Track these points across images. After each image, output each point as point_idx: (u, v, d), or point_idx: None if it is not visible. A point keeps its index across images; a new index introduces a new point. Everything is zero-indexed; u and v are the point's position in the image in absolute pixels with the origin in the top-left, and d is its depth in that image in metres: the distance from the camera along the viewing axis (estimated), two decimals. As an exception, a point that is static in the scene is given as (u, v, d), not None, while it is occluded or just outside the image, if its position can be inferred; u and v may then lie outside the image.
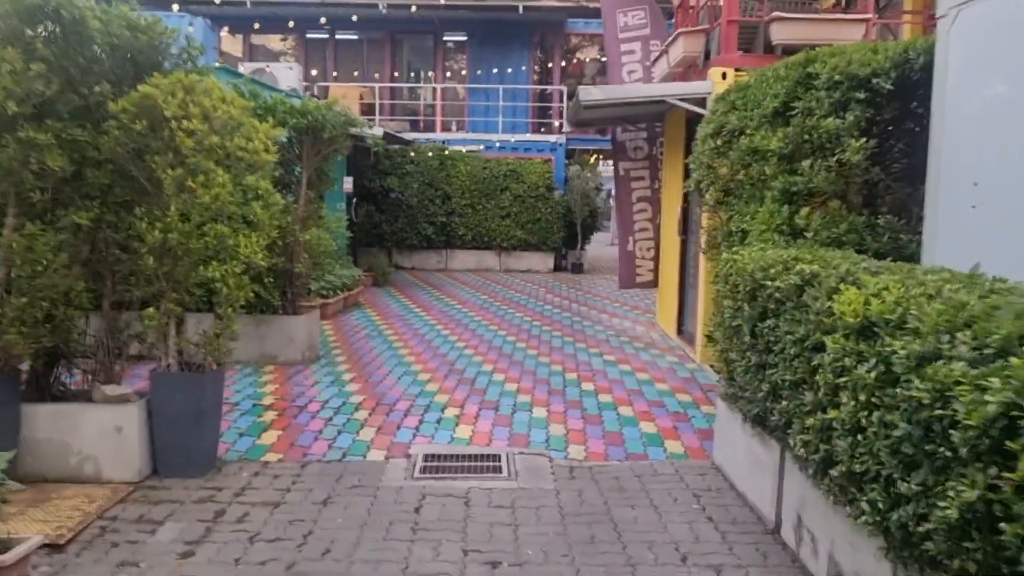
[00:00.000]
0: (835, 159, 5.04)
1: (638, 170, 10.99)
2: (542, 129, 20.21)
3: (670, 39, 8.89)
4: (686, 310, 9.36)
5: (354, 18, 18.82)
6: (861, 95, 4.96)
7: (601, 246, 22.71)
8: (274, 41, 20.86)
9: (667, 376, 7.74)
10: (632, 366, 8.17)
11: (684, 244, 9.32)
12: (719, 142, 6.65)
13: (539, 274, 17.72)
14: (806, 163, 5.24)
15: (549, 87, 20.18)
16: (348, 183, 13.32)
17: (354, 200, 13.22)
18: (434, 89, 20.16)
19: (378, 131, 12.35)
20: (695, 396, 7.03)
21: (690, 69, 9.57)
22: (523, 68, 19.97)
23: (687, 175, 9.27)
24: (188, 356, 5.13)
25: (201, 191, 4.73)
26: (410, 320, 10.85)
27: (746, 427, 4.65)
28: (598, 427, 6.15)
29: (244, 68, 14.29)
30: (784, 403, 3.69)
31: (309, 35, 20.15)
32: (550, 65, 20.35)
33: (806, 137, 5.28)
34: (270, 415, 6.28)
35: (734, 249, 5.00)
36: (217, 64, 11.25)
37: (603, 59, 20.30)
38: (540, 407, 6.66)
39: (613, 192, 25.88)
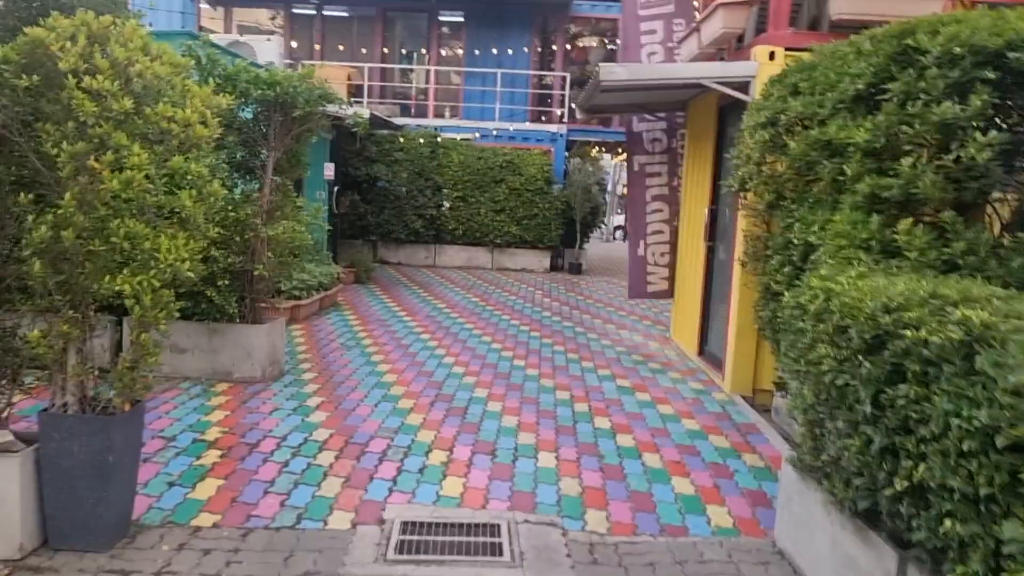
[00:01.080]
0: (952, 157, 3.85)
1: (655, 165, 9.78)
2: (542, 118, 18.96)
3: (706, 13, 7.67)
4: (710, 327, 8.17)
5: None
6: (990, 74, 3.77)
7: (598, 245, 21.47)
8: (259, 16, 19.48)
9: (694, 409, 6.55)
10: (651, 395, 6.98)
11: (711, 251, 8.12)
12: (774, 133, 5.45)
13: (534, 274, 16.50)
14: (906, 162, 4.04)
15: (550, 73, 18.92)
16: (329, 170, 12.05)
17: (336, 189, 11.95)
18: (427, 72, 18.86)
19: (364, 112, 11.07)
20: (732, 439, 5.83)
21: (723, 51, 8.36)
22: (523, 52, 18.70)
23: (717, 172, 8.08)
24: (92, 393, 3.88)
25: (108, 174, 3.48)
26: (392, 326, 9.62)
27: (836, 515, 3.46)
28: (621, 484, 4.94)
29: (219, 40, 12.95)
30: (944, 523, 2.46)
31: (295, 10, 18.80)
32: (552, 50, 19.08)
33: (904, 128, 4.08)
34: (212, 456, 5.04)
35: (822, 273, 3.79)
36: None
37: (609, 46, 19.09)
38: (547, 452, 5.45)
39: (610, 187, 24.54)
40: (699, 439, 5.81)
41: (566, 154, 17.76)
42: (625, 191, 38.24)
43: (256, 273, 6.59)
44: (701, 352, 8.30)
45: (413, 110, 19.25)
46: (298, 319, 9.45)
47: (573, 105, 18.84)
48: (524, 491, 4.77)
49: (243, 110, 6.70)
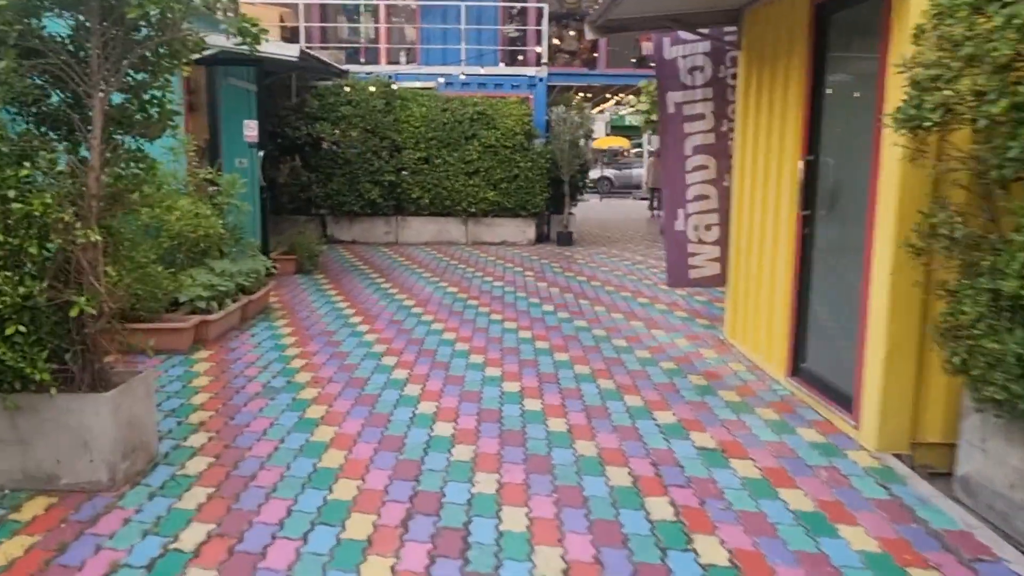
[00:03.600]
0: None
1: (695, 104, 7.07)
2: (518, 59, 16.04)
3: None
4: (812, 337, 5.54)
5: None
6: None
7: (584, 206, 18.65)
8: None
9: (843, 498, 3.93)
10: (758, 465, 4.34)
11: (807, 224, 5.47)
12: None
13: (518, 248, 13.77)
14: None
15: (524, 4, 15.97)
16: (251, 129, 9.13)
17: (262, 154, 9.05)
18: (376, 8, 15.78)
19: (289, 49, 8.18)
20: (952, 576, 3.24)
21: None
22: (490, -18, 15.71)
23: (814, 106, 5.41)
24: None
25: None
26: (342, 342, 6.86)
27: None
28: None
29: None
30: None
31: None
32: (524, -21, 16.11)
33: None
34: None
35: None
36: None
37: (591, -28, 16.16)
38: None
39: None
40: (897, 582, 3.20)
41: (547, 102, 14.92)
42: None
43: (86, 310, 3.75)
44: (794, 371, 5.69)
45: (363, 57, 16.21)
46: (207, 341, 6.64)
47: (583, 28, 15.96)
48: None
49: (43, 21, 3.81)
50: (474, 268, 11.35)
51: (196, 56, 4.33)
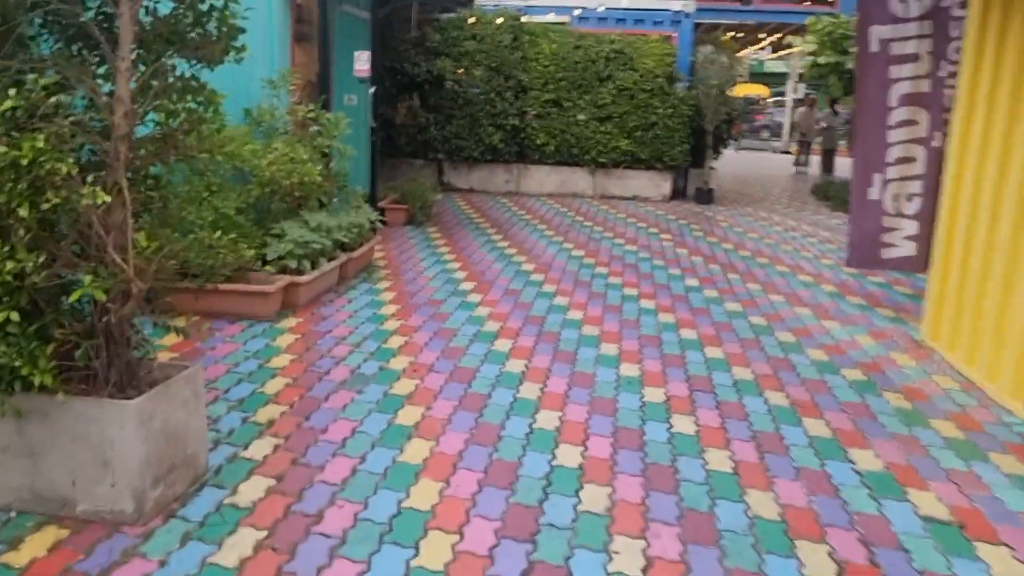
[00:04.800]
0: None
1: (908, 41, 5.50)
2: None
3: None
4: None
5: None
6: None
7: (720, 161, 16.75)
8: None
9: None
10: (1020, 554, 3.03)
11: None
12: None
13: (650, 204, 12.38)
14: None
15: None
16: (363, 62, 8.11)
17: (372, 91, 8.04)
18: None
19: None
20: None
21: None
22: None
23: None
24: None
25: None
26: (449, 314, 5.83)
27: None
28: None
29: None
30: None
31: None
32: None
33: None
34: None
35: None
36: None
37: None
38: None
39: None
40: None
41: (692, 42, 13.26)
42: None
43: (115, 290, 2.81)
44: (1043, 403, 4.23)
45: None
46: (297, 306, 5.76)
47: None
48: None
49: None
50: (602, 227, 10.09)
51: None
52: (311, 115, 6.82)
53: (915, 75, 5.49)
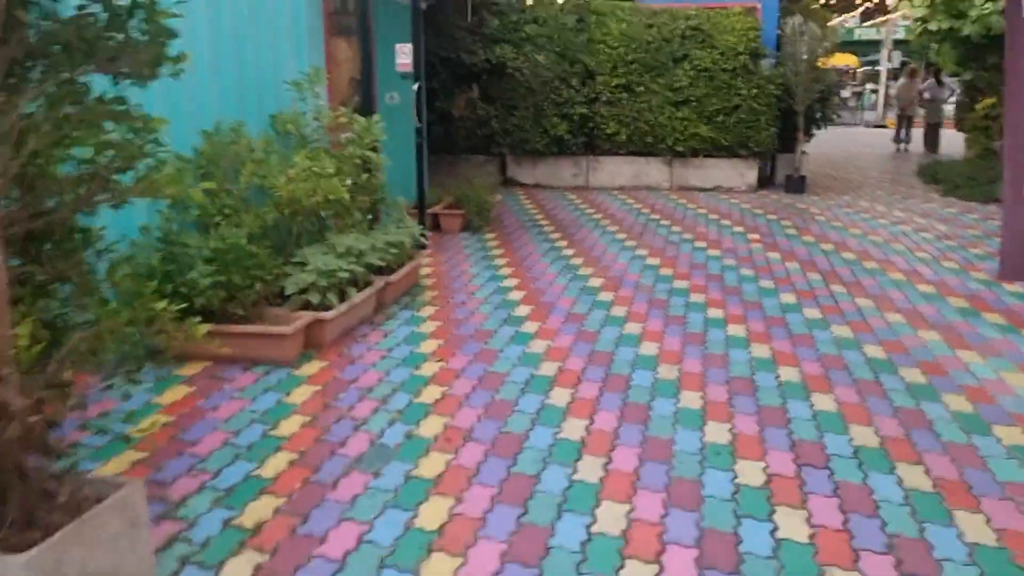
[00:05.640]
0: None
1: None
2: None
3: None
4: None
5: None
6: None
7: (815, 141, 15.24)
8: None
9: None
10: None
11: None
12: None
13: (735, 196, 11.18)
14: None
15: None
16: (403, 55, 7.24)
17: (416, 87, 7.14)
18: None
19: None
20: None
21: None
22: None
23: None
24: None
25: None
26: (498, 352, 4.93)
27: None
28: None
29: None
30: None
31: None
32: None
33: None
34: None
35: None
36: None
37: None
38: None
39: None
40: None
41: (778, 13, 11.94)
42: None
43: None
44: None
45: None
46: (322, 345, 4.95)
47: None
48: None
49: None
50: (681, 227, 9.01)
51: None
52: (342, 119, 6.00)
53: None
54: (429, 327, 5.49)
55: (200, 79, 5.27)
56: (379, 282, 5.67)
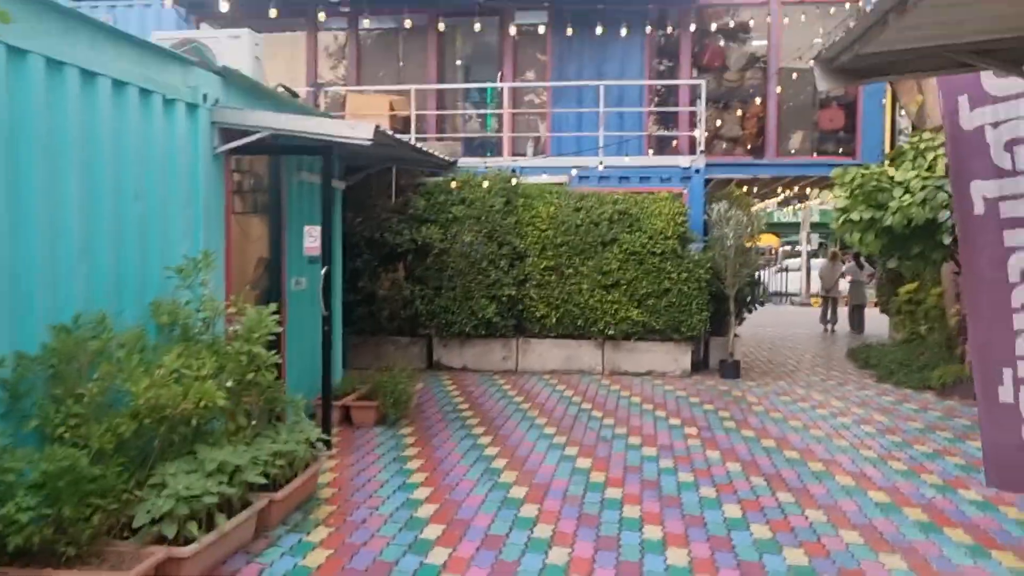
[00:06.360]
0: None
1: (1020, 202, 4.00)
2: (671, 145, 13.34)
3: None
4: None
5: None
6: None
7: (750, 322, 15.12)
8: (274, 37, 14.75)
9: None
10: None
11: None
12: None
13: (669, 381, 10.72)
14: None
15: (678, 82, 13.38)
16: (312, 238, 6.74)
17: (324, 271, 6.56)
18: (500, 92, 13.61)
19: (358, 130, 5.80)
20: None
21: None
22: (634, 58, 13.23)
23: None
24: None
25: None
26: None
27: None
28: None
29: (165, 39, 7.99)
30: None
31: (322, 24, 14.00)
32: (675, 53, 13.52)
33: None
34: None
35: None
36: None
37: (755, 42, 13.48)
38: None
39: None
40: None
41: (704, 198, 12.07)
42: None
43: None
44: None
45: (482, 147, 14.01)
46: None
47: (812, 63, 13.18)
48: None
49: None
50: (614, 419, 8.39)
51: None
52: (231, 310, 5.34)
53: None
54: (317, 558, 4.59)
55: (65, 265, 4.59)
56: (261, 501, 4.80)
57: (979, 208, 4.08)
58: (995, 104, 4.08)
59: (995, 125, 4.08)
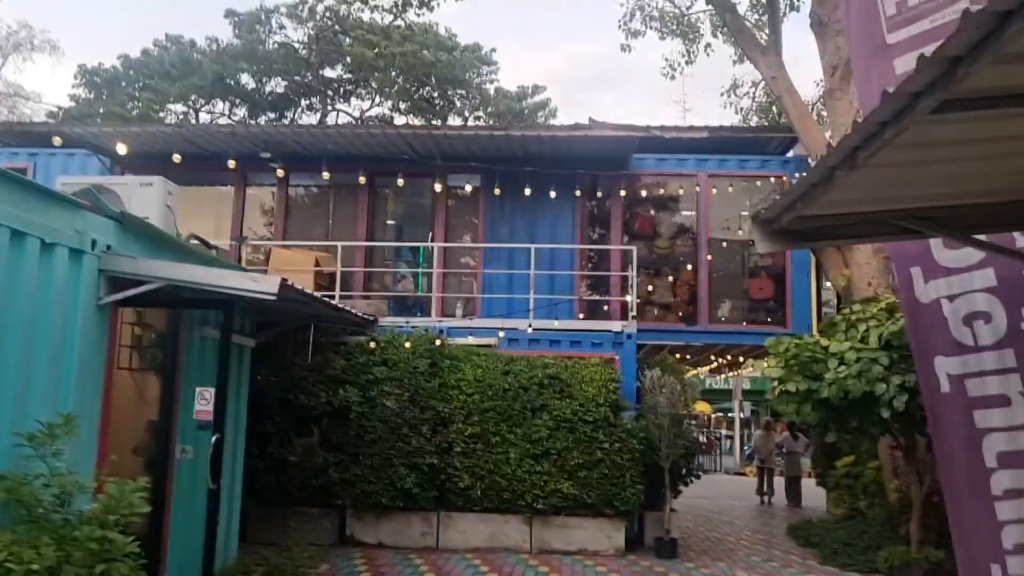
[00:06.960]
0: None
1: (987, 378, 3.64)
2: (603, 310, 13.11)
3: None
4: None
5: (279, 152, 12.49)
6: None
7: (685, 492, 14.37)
8: (201, 193, 14.43)
9: None
10: None
11: None
12: None
13: (602, 561, 9.87)
14: None
15: (606, 247, 13.38)
16: (204, 400, 5.99)
17: (216, 439, 5.76)
18: (430, 252, 13.38)
19: (262, 283, 5.28)
20: None
21: None
22: (566, 223, 13.27)
23: None
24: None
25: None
26: None
27: None
28: None
29: (68, 184, 7.47)
30: None
31: (251, 179, 13.77)
32: (605, 220, 13.63)
33: None
34: None
35: None
36: None
37: (684, 212, 13.72)
38: None
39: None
40: None
41: (636, 364, 11.74)
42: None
43: None
44: None
45: (411, 307, 13.58)
46: None
47: (677, 278, 13.09)
48: None
49: None
50: (542, 610, 7.48)
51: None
52: (89, 484, 4.51)
53: (1010, 425, 3.56)
54: None
55: None
56: None
57: (945, 386, 3.70)
58: (948, 277, 3.81)
59: (951, 299, 3.78)
